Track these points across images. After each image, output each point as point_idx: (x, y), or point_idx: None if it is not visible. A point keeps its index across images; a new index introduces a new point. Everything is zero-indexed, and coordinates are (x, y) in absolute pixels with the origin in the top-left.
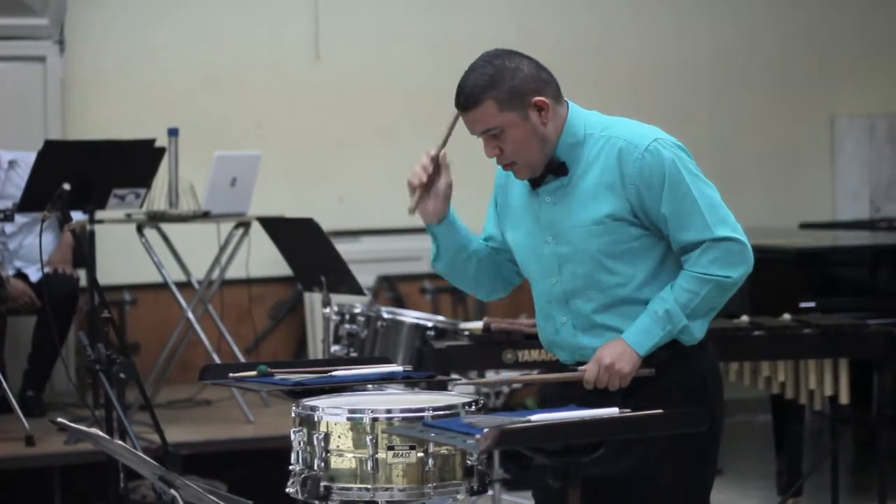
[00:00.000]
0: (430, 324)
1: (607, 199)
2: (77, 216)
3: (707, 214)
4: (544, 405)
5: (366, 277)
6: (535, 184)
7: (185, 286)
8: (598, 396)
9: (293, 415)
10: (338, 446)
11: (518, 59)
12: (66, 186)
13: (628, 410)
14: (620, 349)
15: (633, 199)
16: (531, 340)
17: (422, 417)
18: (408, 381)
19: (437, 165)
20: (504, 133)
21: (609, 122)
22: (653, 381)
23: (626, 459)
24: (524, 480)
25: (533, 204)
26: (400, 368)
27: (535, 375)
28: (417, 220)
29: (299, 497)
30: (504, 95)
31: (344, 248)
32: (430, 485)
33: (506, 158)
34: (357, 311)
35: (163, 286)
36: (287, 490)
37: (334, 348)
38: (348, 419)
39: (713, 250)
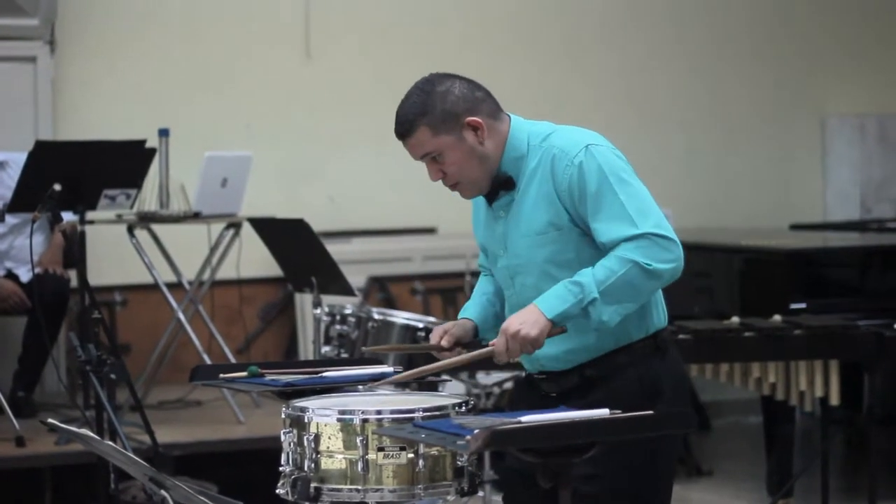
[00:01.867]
0: (420, 325)
1: (547, 210)
2: (68, 217)
3: (634, 215)
4: (515, 409)
5: (356, 278)
6: (490, 200)
7: (175, 287)
8: (557, 400)
9: (283, 416)
10: (328, 447)
11: (450, 81)
12: (57, 187)
13: (619, 412)
14: (526, 315)
15: (567, 204)
16: None
17: (412, 418)
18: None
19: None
20: (443, 156)
21: (549, 132)
22: (604, 382)
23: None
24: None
25: (489, 219)
26: (390, 369)
27: (452, 359)
28: (408, 221)
29: (289, 498)
30: (436, 120)
31: (334, 248)
32: (420, 486)
33: (449, 180)
34: (348, 311)
35: (153, 287)
36: (277, 491)
37: (325, 349)
38: (338, 420)
39: (638, 240)
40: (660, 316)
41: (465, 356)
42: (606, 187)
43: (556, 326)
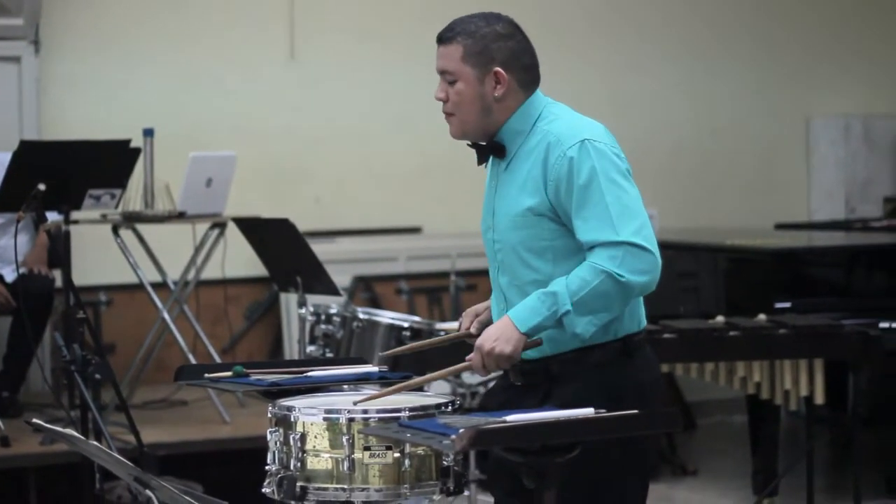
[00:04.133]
0: (405, 324)
1: (531, 194)
2: (52, 216)
3: (616, 219)
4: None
5: (341, 278)
6: (480, 159)
7: (160, 287)
8: (522, 390)
9: (269, 415)
10: (314, 446)
11: (513, 31)
12: (42, 187)
13: (604, 411)
14: (500, 330)
15: (551, 196)
16: None
17: (398, 418)
18: (383, 381)
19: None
20: (456, 83)
21: (556, 116)
22: (566, 383)
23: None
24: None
25: (488, 188)
26: (376, 369)
27: (429, 375)
28: (393, 221)
29: (275, 497)
30: (473, 48)
31: (319, 248)
32: (406, 485)
33: (448, 107)
34: (333, 311)
35: (138, 287)
36: (263, 490)
37: (310, 349)
38: (324, 419)
39: (614, 249)
40: (632, 320)
41: (443, 371)
42: (594, 186)
43: (531, 339)
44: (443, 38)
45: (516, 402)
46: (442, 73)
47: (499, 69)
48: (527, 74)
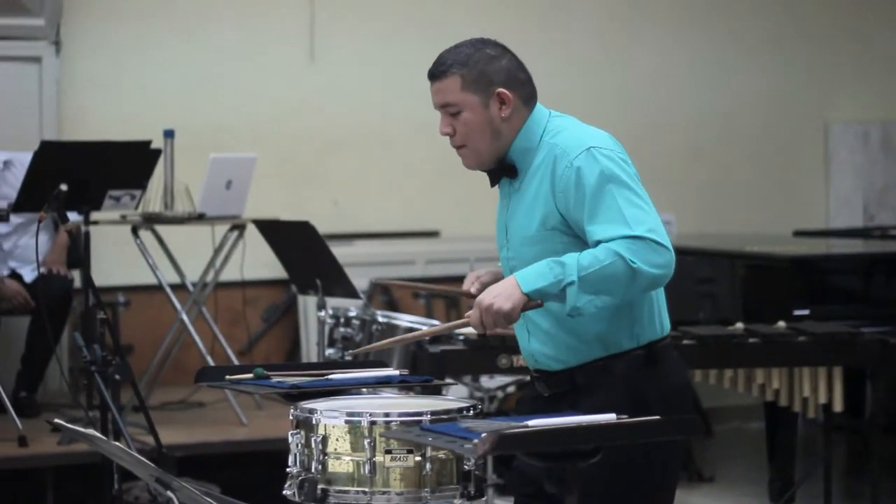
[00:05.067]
0: (424, 328)
1: (542, 208)
2: (72, 217)
3: (630, 220)
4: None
5: (359, 281)
6: (492, 181)
7: (179, 288)
8: (550, 401)
9: (291, 417)
10: (335, 449)
11: (502, 51)
12: (63, 187)
13: (625, 416)
14: (502, 287)
15: (561, 207)
16: None
17: (420, 421)
18: (403, 384)
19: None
20: (461, 114)
21: (561, 129)
22: (592, 392)
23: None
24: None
25: (500, 207)
26: (396, 372)
27: (428, 329)
28: (411, 224)
29: (296, 499)
30: (471, 76)
31: (338, 251)
32: (426, 489)
33: (456, 140)
34: (352, 314)
35: (157, 288)
36: (284, 492)
37: (329, 351)
38: (346, 422)
39: (632, 241)
40: (654, 326)
41: (442, 326)
42: (605, 191)
43: (532, 301)
44: (436, 74)
45: (545, 412)
46: (443, 107)
47: (502, 89)
48: (525, 89)
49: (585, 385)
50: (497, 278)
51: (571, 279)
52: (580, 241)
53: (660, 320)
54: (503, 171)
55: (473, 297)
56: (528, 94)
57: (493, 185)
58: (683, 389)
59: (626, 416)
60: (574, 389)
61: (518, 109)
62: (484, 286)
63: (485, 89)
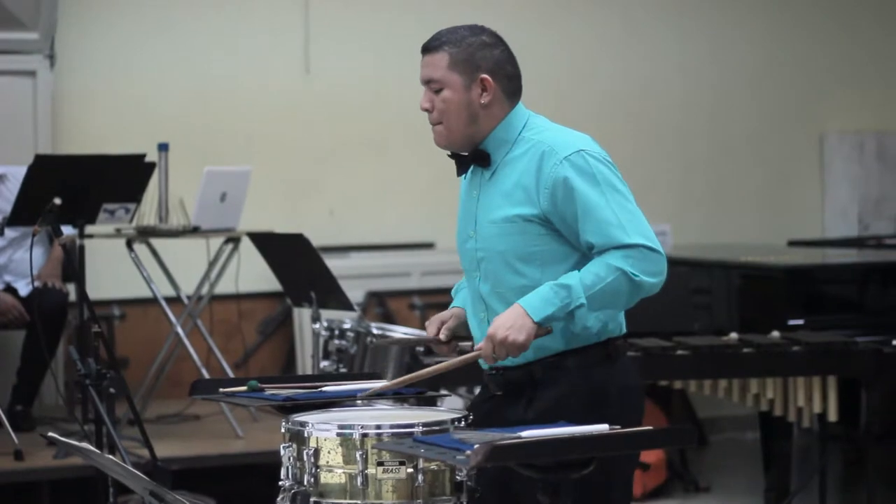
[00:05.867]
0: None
1: (520, 200)
2: (67, 230)
3: (625, 224)
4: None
5: (354, 293)
6: (460, 169)
7: (174, 301)
8: (503, 399)
9: (283, 430)
10: (328, 462)
11: (496, 41)
12: (57, 201)
13: (618, 427)
14: (513, 318)
15: (546, 204)
16: None
17: (412, 433)
18: (397, 396)
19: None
20: (442, 91)
21: (544, 128)
22: (550, 387)
23: None
24: None
25: (466, 198)
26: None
27: (440, 365)
28: (406, 237)
29: None
30: (459, 56)
31: (333, 263)
32: (419, 501)
33: (434, 116)
34: (346, 326)
35: (152, 301)
36: None
37: (324, 364)
38: (338, 435)
39: (629, 250)
40: (615, 324)
41: (453, 361)
42: (597, 193)
43: (542, 328)
44: (429, 48)
45: (500, 411)
46: (427, 82)
47: (485, 76)
48: (511, 83)
49: (543, 379)
50: (461, 321)
51: (580, 302)
52: (556, 235)
53: (620, 320)
54: (475, 158)
55: (444, 343)
56: (512, 89)
57: (460, 173)
58: (639, 388)
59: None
60: (531, 384)
61: (499, 100)
62: (451, 332)
63: (470, 73)
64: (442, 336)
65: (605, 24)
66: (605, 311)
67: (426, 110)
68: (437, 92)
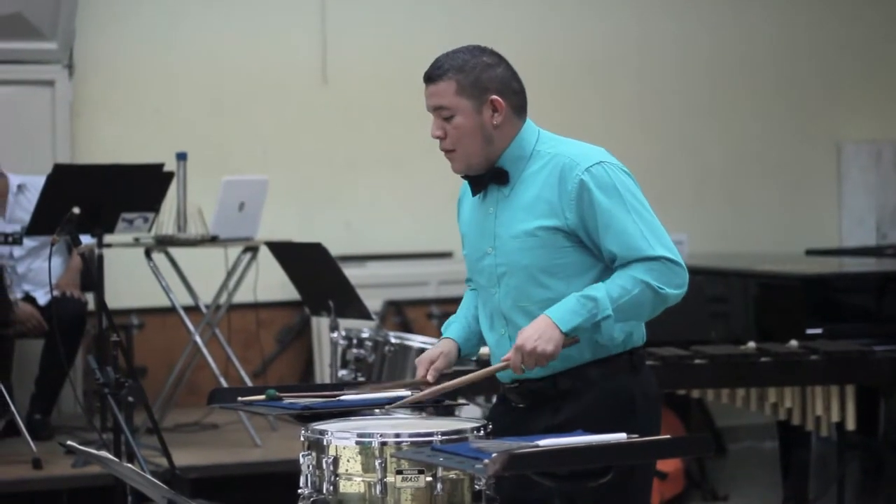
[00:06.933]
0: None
1: (543, 213)
2: (86, 240)
3: (648, 235)
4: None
5: (372, 302)
6: (477, 189)
7: (192, 310)
8: (526, 412)
9: (302, 438)
10: (347, 470)
11: (498, 60)
12: (76, 210)
13: (636, 436)
14: (541, 329)
15: (569, 216)
16: None
17: (430, 442)
18: (415, 405)
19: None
20: (453, 118)
21: (559, 141)
22: (576, 397)
23: None
24: None
25: (479, 215)
26: (408, 393)
27: (468, 376)
28: (424, 245)
29: None
30: (466, 81)
31: (351, 272)
32: None
33: (447, 143)
34: (364, 335)
35: (171, 310)
36: None
37: (342, 373)
38: (357, 443)
39: (651, 263)
40: (639, 334)
41: (479, 373)
42: (621, 205)
43: (568, 338)
44: (432, 77)
45: (523, 423)
46: (436, 110)
47: (495, 97)
48: (518, 99)
49: (568, 391)
50: (450, 360)
51: (607, 313)
52: (579, 246)
53: (643, 329)
54: (493, 178)
55: (431, 384)
56: (519, 105)
57: (475, 193)
58: (659, 397)
59: (633, 434)
60: (556, 394)
61: (509, 118)
62: (439, 372)
63: (479, 96)
64: (430, 378)
65: (620, 33)
66: (629, 322)
67: (438, 138)
68: (448, 119)
